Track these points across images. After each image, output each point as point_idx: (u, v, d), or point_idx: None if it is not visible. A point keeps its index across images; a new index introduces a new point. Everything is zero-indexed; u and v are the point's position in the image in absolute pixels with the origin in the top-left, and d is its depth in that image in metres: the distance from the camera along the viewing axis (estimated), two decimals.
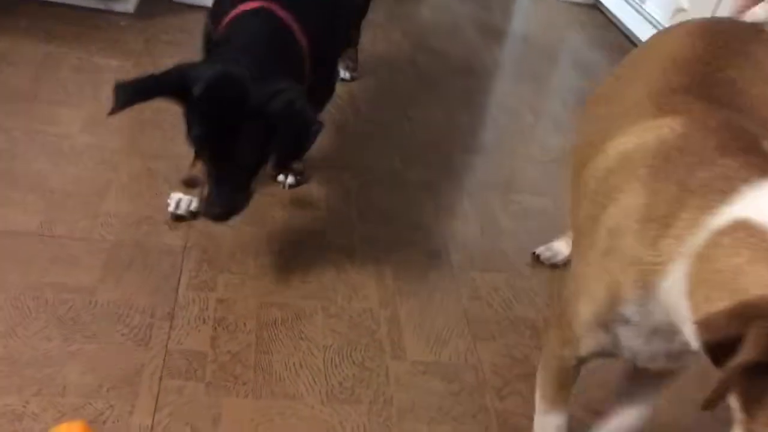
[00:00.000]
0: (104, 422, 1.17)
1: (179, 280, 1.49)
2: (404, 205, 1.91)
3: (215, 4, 1.63)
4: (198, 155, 1.43)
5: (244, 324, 1.42)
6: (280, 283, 1.55)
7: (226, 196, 1.38)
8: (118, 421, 1.18)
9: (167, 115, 1.93)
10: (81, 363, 1.26)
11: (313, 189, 1.88)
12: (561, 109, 2.68)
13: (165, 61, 2.32)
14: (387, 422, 1.28)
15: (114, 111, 1.30)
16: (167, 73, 1.34)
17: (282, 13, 1.46)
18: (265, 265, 1.57)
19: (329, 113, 2.16)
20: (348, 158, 2.05)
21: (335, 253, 1.67)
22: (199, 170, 1.50)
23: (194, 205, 1.63)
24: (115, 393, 1.22)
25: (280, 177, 1.82)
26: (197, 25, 2.55)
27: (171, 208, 1.63)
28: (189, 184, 1.63)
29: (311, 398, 1.30)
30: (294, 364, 1.36)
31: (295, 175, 1.84)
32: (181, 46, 2.40)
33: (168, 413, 1.21)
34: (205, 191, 1.40)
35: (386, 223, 1.82)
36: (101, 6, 2.48)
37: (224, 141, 1.33)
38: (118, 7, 2.50)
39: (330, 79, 1.77)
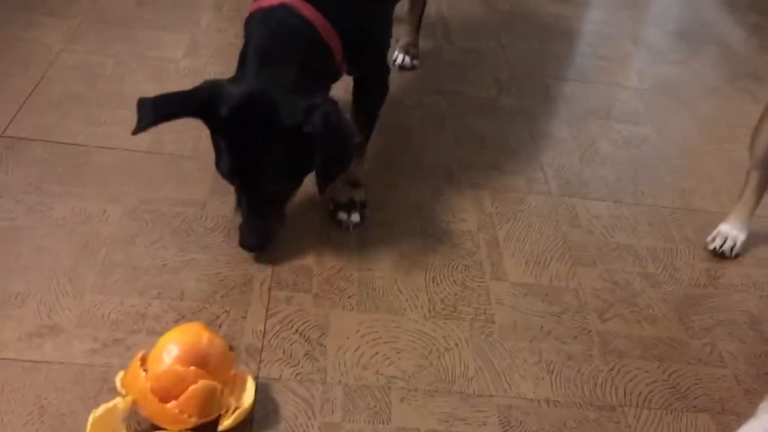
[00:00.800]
0: (220, 325, 1.22)
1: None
2: (501, 132, 1.88)
3: None
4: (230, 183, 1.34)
5: (347, 240, 1.45)
6: (380, 201, 1.56)
7: (258, 227, 1.33)
8: (233, 325, 1.23)
9: None
10: (196, 271, 1.32)
11: (408, 115, 1.87)
12: (661, 37, 2.56)
13: None
14: (489, 338, 1.29)
15: (136, 131, 1.25)
16: (195, 91, 1.25)
17: (304, 9, 1.29)
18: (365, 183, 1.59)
19: (423, 45, 2.14)
20: (442, 85, 2.03)
21: (432, 176, 1.68)
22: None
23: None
24: (228, 300, 1.27)
25: (341, 215, 1.49)
26: None
27: None
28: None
29: (414, 313, 1.32)
30: (396, 281, 1.38)
31: (359, 209, 1.50)
32: None
33: (278, 320, 1.26)
34: (239, 215, 1.36)
35: (483, 148, 1.81)
36: None
37: (255, 170, 1.26)
38: None
39: (379, 75, 1.52)
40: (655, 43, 2.51)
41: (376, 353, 1.23)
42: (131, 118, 1.66)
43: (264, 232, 1.34)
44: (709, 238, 1.58)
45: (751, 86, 2.29)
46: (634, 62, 2.37)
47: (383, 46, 1.52)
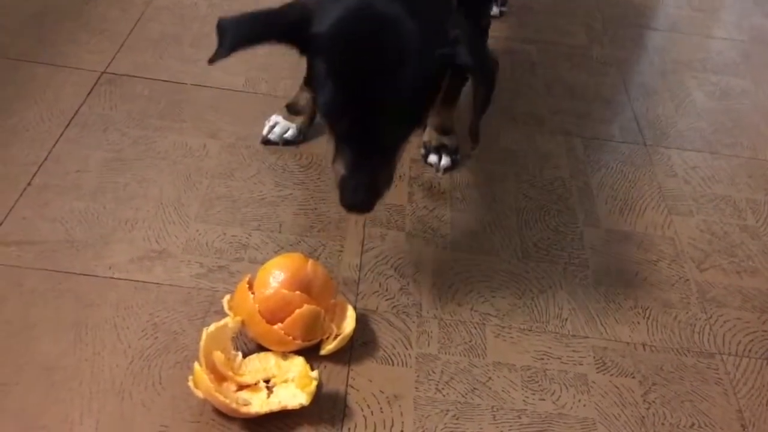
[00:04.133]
0: (317, 257, 1.25)
1: None
2: (593, 81, 1.84)
3: None
4: (331, 126, 1.07)
5: (439, 183, 1.45)
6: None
7: (368, 179, 1.05)
8: (330, 257, 1.25)
9: None
10: (293, 206, 1.35)
11: (499, 61, 1.84)
12: None
13: None
14: (583, 282, 1.28)
15: (213, 60, 1.07)
16: (285, 8, 1.04)
17: None
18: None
19: None
20: (532, 33, 1.99)
21: (524, 123, 1.66)
22: (307, 99, 1.44)
23: (290, 134, 1.46)
24: (325, 234, 1.30)
25: (432, 158, 1.47)
26: None
27: (264, 131, 1.46)
28: (293, 111, 1.47)
29: (507, 254, 1.32)
30: (488, 223, 1.38)
31: (450, 154, 1.47)
32: None
33: (374, 255, 1.27)
34: (340, 167, 1.06)
35: (574, 97, 1.77)
36: None
37: (373, 106, 0.99)
38: None
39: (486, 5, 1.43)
40: None
41: (470, 291, 1.24)
42: (225, 62, 1.69)
43: (374, 189, 1.07)
44: None
45: None
46: (730, 13, 2.27)
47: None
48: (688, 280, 1.32)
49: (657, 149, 1.64)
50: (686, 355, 1.18)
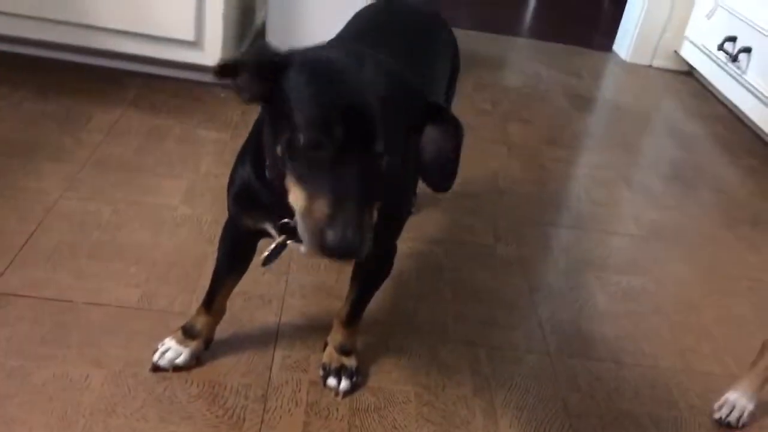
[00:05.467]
0: None
1: (273, 358, 1.48)
2: (498, 284, 1.86)
3: None
4: (302, 159, 0.94)
5: (337, 409, 1.39)
6: (373, 366, 1.51)
7: (357, 220, 0.91)
8: None
9: None
10: None
11: (405, 263, 1.86)
12: (657, 181, 2.59)
13: None
14: None
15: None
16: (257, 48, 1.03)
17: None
18: (358, 347, 1.54)
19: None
20: (439, 233, 2.03)
21: (428, 334, 1.64)
22: (204, 322, 1.41)
23: (182, 359, 1.40)
24: None
25: (331, 382, 1.42)
26: None
27: (155, 357, 1.40)
28: (189, 334, 1.42)
29: None
30: None
31: (350, 376, 1.43)
32: None
33: None
34: (321, 206, 0.93)
35: (479, 302, 1.78)
36: (203, 78, 2.57)
37: (363, 124, 0.91)
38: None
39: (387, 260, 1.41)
40: (650, 187, 2.54)
41: None
42: (123, 270, 1.66)
43: (363, 230, 0.92)
44: (715, 406, 1.52)
45: (750, 233, 2.30)
46: (630, 207, 2.39)
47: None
48: None
49: (561, 358, 1.63)
50: None
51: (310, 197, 0.94)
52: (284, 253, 1.22)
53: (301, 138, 0.92)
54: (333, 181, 0.92)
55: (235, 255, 1.40)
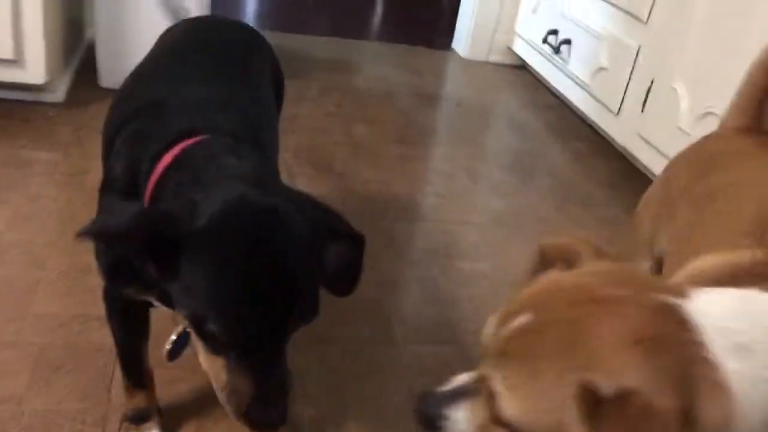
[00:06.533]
0: None
1: (113, 378, 1.44)
2: None
3: (123, 158, 1.10)
4: (225, 345, 0.88)
5: (180, 424, 1.37)
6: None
7: (282, 387, 0.91)
8: None
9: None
10: None
11: None
12: (497, 170, 2.73)
13: (95, 149, 2.31)
14: None
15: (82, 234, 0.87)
16: (141, 217, 0.88)
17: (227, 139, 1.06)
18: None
19: None
20: None
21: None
22: (144, 399, 1.28)
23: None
24: None
25: None
26: None
27: None
28: (138, 418, 1.29)
29: None
30: None
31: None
32: None
33: None
34: (243, 383, 0.89)
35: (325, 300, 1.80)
36: (30, 97, 2.45)
37: (298, 297, 0.89)
38: (47, 98, 2.47)
39: None
40: (491, 176, 2.67)
41: None
42: None
43: (288, 400, 0.92)
44: None
45: (580, 213, 2.47)
46: (472, 197, 2.50)
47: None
48: None
49: (408, 346, 1.69)
50: None
51: (230, 371, 0.88)
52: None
53: (213, 328, 0.85)
54: (254, 364, 0.87)
55: (130, 325, 1.24)
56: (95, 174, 2.13)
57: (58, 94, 2.50)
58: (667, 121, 2.38)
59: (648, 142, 2.50)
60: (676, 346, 0.70)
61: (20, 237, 1.81)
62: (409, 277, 1.96)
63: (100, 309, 1.60)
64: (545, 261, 0.85)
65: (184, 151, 1.00)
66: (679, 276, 0.92)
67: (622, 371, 0.68)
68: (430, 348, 1.70)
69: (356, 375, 1.57)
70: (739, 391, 0.69)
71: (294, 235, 0.89)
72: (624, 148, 2.74)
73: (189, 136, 1.02)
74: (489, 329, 0.81)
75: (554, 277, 0.81)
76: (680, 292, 0.75)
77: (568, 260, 0.83)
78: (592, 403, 0.68)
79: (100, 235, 0.90)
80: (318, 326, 1.68)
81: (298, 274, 0.87)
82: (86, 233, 0.86)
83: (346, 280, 0.99)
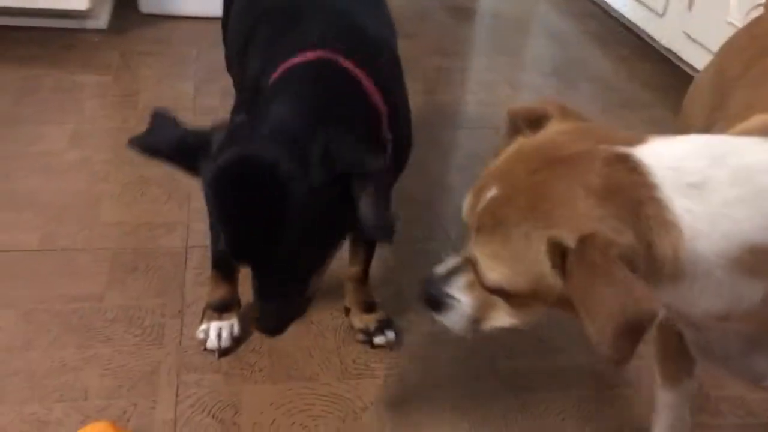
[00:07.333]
0: (128, 420, 1.19)
1: (184, 278, 1.51)
2: (397, 184, 1.93)
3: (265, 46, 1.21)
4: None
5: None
6: None
7: (275, 309, 1.07)
8: (142, 417, 1.20)
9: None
10: (98, 367, 1.28)
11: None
12: (538, 79, 2.71)
13: (143, 72, 2.36)
14: (405, 391, 1.31)
15: (132, 144, 1.05)
16: (184, 139, 1.03)
17: (350, 66, 1.10)
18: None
19: None
20: None
21: None
22: (225, 292, 1.36)
23: (235, 329, 1.36)
24: (135, 392, 1.24)
25: (379, 340, 1.39)
26: (171, 34, 2.58)
27: (210, 344, 1.33)
28: (220, 307, 1.36)
29: (327, 376, 1.32)
30: (306, 346, 1.38)
31: (391, 326, 1.41)
32: (158, 56, 2.42)
33: (189, 405, 1.23)
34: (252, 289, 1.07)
35: None
36: (74, 25, 2.48)
37: (261, 246, 0.99)
38: (90, 25, 2.51)
39: (409, 135, 1.35)
40: (532, 84, 2.66)
41: (293, 423, 1.22)
42: (18, 218, 1.63)
43: (284, 315, 1.08)
44: None
45: (623, 114, 2.45)
46: (513, 104, 2.49)
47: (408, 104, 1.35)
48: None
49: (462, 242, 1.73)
50: None
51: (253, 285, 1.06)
52: None
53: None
54: (254, 277, 1.04)
55: None
56: (146, 94, 2.19)
57: (101, 21, 2.53)
58: (716, 16, 2.32)
59: (695, 41, 2.45)
60: (628, 190, 0.73)
61: (82, 154, 1.87)
62: (457, 181, 1.99)
63: (164, 217, 1.68)
64: (515, 128, 0.87)
65: (284, 74, 1.09)
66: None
67: (579, 220, 0.72)
68: None
69: (415, 271, 1.62)
70: (692, 227, 0.72)
71: (266, 191, 0.97)
72: (669, 50, 2.69)
73: (307, 48, 1.11)
74: (465, 207, 0.84)
75: (518, 144, 0.83)
76: (637, 141, 0.78)
77: (536, 123, 0.85)
78: (561, 255, 0.72)
79: (143, 148, 1.05)
80: None
81: (260, 226, 0.98)
82: (133, 143, 1.04)
83: (371, 224, 0.99)
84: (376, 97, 1.12)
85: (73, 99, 2.12)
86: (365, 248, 1.39)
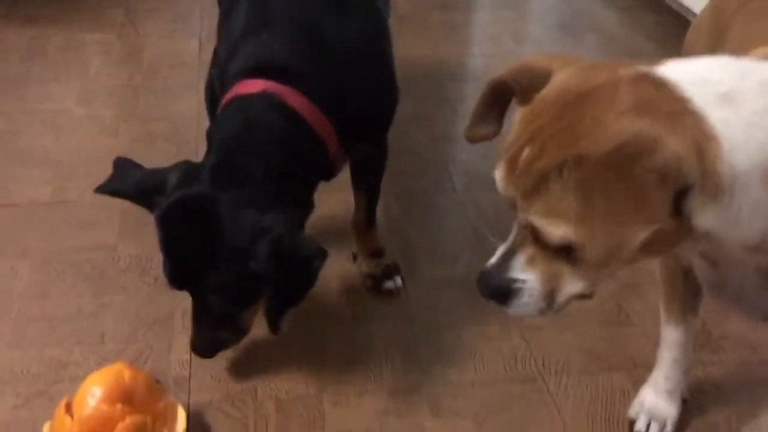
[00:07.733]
0: (145, 361, 1.23)
1: None
2: (402, 137, 1.93)
3: (221, 58, 1.26)
4: None
5: None
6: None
7: (205, 335, 1.15)
8: (158, 359, 1.24)
9: (158, 81, 1.96)
10: (114, 313, 1.32)
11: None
12: (543, 32, 2.70)
13: (148, 28, 2.36)
14: (412, 334, 1.34)
15: (101, 189, 1.19)
16: (143, 181, 1.14)
17: (291, 98, 1.12)
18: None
19: None
20: None
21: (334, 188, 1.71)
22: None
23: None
24: (151, 335, 1.28)
25: (388, 284, 1.43)
26: None
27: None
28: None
29: (336, 319, 1.35)
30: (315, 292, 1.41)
31: (397, 270, 1.45)
32: (161, 12, 2.42)
33: None
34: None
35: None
36: None
37: (193, 280, 1.10)
38: None
39: (382, 152, 1.42)
40: (539, 37, 2.64)
41: (304, 364, 1.26)
42: (30, 173, 1.65)
43: (215, 342, 1.17)
44: (631, 412, 1.20)
45: None
46: (516, 58, 2.49)
47: (390, 115, 1.37)
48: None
49: (467, 195, 1.75)
50: (512, 384, 1.25)
51: None
52: None
53: None
54: (192, 308, 1.14)
55: None
56: (150, 51, 2.20)
57: None
58: None
59: None
60: (661, 103, 0.71)
61: (90, 111, 1.89)
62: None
63: None
64: (523, 90, 0.83)
65: (228, 105, 1.15)
66: None
67: (615, 137, 0.70)
68: (489, 195, 1.75)
69: (421, 221, 1.64)
70: (729, 138, 0.70)
71: (214, 242, 1.05)
72: (674, 0, 2.67)
73: (257, 73, 1.14)
74: (500, 183, 0.81)
75: (533, 103, 0.79)
76: (655, 64, 0.76)
77: (535, 83, 0.81)
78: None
79: (109, 192, 1.19)
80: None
81: (208, 271, 1.07)
82: (100, 189, 1.18)
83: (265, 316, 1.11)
84: (323, 127, 1.16)
85: (79, 57, 2.13)
86: (366, 197, 1.42)
